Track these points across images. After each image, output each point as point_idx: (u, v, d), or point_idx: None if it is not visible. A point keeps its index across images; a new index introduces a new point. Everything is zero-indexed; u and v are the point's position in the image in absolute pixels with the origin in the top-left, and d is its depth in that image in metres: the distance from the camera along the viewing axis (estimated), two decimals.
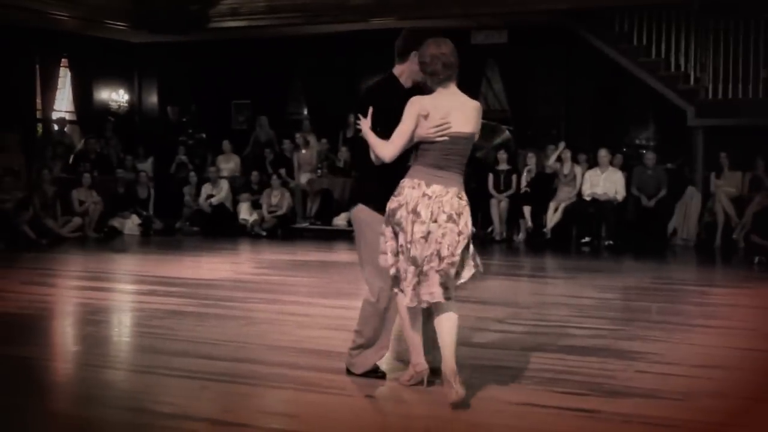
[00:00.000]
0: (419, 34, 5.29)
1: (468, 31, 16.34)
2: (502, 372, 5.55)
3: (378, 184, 5.10)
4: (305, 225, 16.20)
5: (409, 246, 4.85)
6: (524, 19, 15.66)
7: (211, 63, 18.67)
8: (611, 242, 13.80)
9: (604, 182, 14.14)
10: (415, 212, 4.84)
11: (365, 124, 5.07)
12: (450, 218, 4.85)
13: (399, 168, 5.00)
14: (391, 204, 4.93)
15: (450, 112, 4.91)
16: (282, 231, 15.67)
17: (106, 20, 17.11)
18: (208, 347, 6.21)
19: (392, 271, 4.96)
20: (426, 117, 4.87)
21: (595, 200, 14.02)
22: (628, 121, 16.36)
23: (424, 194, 4.86)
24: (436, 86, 5.00)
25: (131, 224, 15.86)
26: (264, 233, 15.52)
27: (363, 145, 5.14)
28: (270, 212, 15.80)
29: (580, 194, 14.27)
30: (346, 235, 15.33)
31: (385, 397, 5.13)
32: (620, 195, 14.07)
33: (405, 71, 5.33)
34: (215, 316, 7.46)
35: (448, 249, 4.82)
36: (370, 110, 5.10)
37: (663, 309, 8.18)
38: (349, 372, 5.41)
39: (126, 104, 19.47)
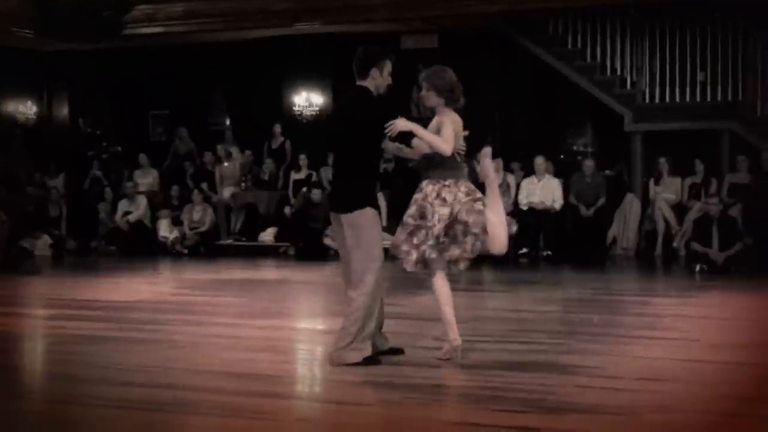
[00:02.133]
0: (375, 50, 6.26)
1: (397, 35, 16.44)
2: (438, 390, 5.58)
3: (373, 188, 6.22)
4: (229, 241, 16.11)
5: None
6: (455, 22, 15.80)
7: (126, 72, 18.46)
8: (549, 253, 13.97)
9: (541, 191, 14.29)
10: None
11: (406, 124, 5.92)
12: None
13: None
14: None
15: None
16: (205, 248, 15.56)
17: (11, 27, 16.81)
18: (127, 374, 6.13)
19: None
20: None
21: (532, 210, 14.17)
22: (564, 127, 16.61)
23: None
24: (450, 107, 6.12)
25: (42, 244, 15.60)
26: (186, 251, 15.39)
27: (362, 150, 6.06)
28: (192, 229, 15.68)
29: (516, 204, 14.41)
30: (273, 252, 15.30)
31: (315, 421, 5.12)
32: (558, 204, 14.23)
33: (371, 86, 6.19)
34: (134, 341, 7.37)
35: None
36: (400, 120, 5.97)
37: (603, 321, 8.29)
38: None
39: (34, 116, 19.14)
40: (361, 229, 6.07)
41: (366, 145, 6.12)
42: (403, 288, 9.62)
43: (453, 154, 6.04)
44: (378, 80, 6.19)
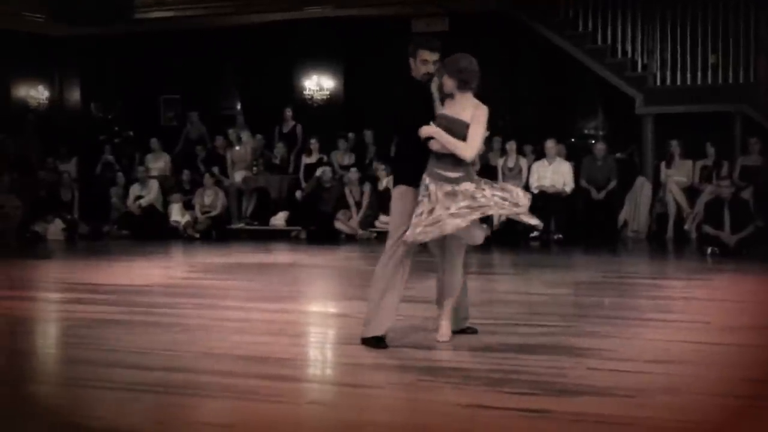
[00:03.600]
0: (412, 41, 6.45)
1: (408, 19, 16.39)
2: (449, 373, 5.58)
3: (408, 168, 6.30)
4: (241, 226, 16.13)
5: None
6: (465, 6, 15.75)
7: (137, 56, 18.47)
8: (560, 236, 13.94)
9: (552, 174, 14.27)
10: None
11: (428, 130, 6.12)
12: None
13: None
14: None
15: None
16: (216, 232, 15.58)
17: (22, 12, 16.83)
18: (139, 357, 6.15)
19: None
20: None
21: (543, 193, 14.14)
22: (575, 111, 16.56)
23: None
24: (462, 90, 6.15)
25: (55, 229, 15.65)
26: (197, 235, 15.41)
27: (396, 133, 6.58)
28: (203, 213, 15.70)
29: (527, 187, 14.38)
30: (284, 236, 15.32)
31: (327, 404, 5.12)
32: (569, 187, 14.21)
33: (416, 75, 6.39)
34: (146, 324, 7.39)
35: None
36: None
37: (614, 304, 8.28)
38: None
39: (46, 101, 19.18)
40: (391, 204, 6.49)
41: (397, 129, 6.48)
42: (414, 271, 9.62)
43: None
44: (414, 70, 6.37)
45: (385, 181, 14.65)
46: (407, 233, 6.15)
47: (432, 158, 6.16)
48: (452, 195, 6.07)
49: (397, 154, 6.69)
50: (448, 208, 6.03)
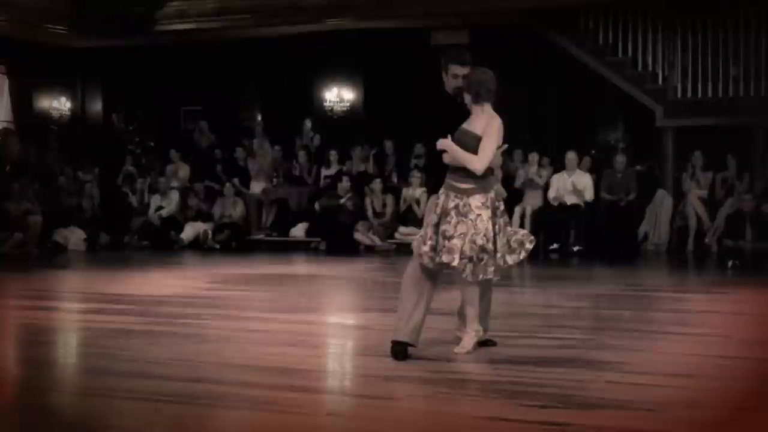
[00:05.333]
0: (444, 56, 6.58)
1: (428, 31, 16.42)
2: (469, 386, 5.58)
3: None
4: (260, 236, 16.16)
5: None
6: (486, 18, 15.76)
7: (158, 68, 18.58)
8: (580, 248, 13.91)
9: (572, 186, 14.24)
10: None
11: (441, 143, 6.19)
12: None
13: None
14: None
15: None
16: (236, 243, 15.61)
17: (45, 24, 16.96)
18: (159, 367, 6.18)
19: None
20: None
21: (562, 205, 14.11)
22: (596, 123, 16.54)
23: None
24: (480, 104, 6.20)
25: (76, 239, 15.71)
26: (217, 246, 15.45)
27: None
28: (222, 220, 15.71)
29: (546, 198, 14.36)
30: (304, 247, 15.34)
31: (346, 415, 5.13)
32: (589, 199, 14.16)
33: (446, 87, 6.47)
34: (167, 335, 7.42)
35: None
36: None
37: (634, 317, 8.25)
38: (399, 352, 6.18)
39: (68, 113, 19.31)
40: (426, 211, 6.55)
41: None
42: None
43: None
44: (446, 84, 6.47)
45: (419, 191, 14.58)
46: (414, 243, 6.23)
47: (449, 169, 6.21)
48: (445, 214, 6.12)
49: (440, 164, 6.64)
50: (440, 224, 6.12)
